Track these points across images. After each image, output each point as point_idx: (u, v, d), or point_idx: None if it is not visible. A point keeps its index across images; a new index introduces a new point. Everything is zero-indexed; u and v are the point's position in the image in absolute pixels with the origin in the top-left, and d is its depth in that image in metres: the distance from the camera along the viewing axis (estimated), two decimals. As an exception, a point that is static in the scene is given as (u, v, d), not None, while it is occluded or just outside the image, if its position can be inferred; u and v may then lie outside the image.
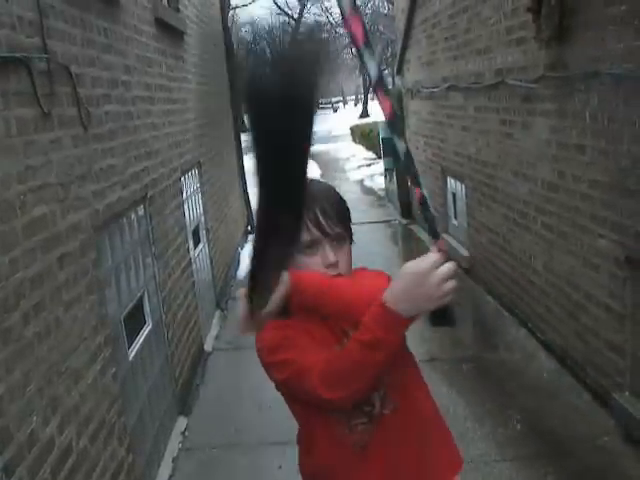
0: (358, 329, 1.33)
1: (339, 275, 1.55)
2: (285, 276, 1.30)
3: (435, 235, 1.39)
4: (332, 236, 1.54)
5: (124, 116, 3.76)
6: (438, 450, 1.64)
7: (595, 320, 4.12)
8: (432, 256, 1.26)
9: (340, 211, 1.58)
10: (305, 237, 1.51)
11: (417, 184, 1.39)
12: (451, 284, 1.25)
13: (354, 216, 1.68)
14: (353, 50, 43.47)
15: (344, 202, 1.63)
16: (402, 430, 1.56)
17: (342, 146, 24.63)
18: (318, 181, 1.70)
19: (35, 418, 2.24)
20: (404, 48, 9.48)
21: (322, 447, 1.59)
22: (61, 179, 2.68)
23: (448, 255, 1.29)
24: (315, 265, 1.53)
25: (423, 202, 1.41)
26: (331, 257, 1.53)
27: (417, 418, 1.59)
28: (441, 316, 1.33)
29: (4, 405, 2.06)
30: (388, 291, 1.28)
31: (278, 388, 1.57)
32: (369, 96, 42.04)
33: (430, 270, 1.24)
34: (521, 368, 4.86)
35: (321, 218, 1.53)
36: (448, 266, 1.25)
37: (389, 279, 1.54)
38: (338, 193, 1.64)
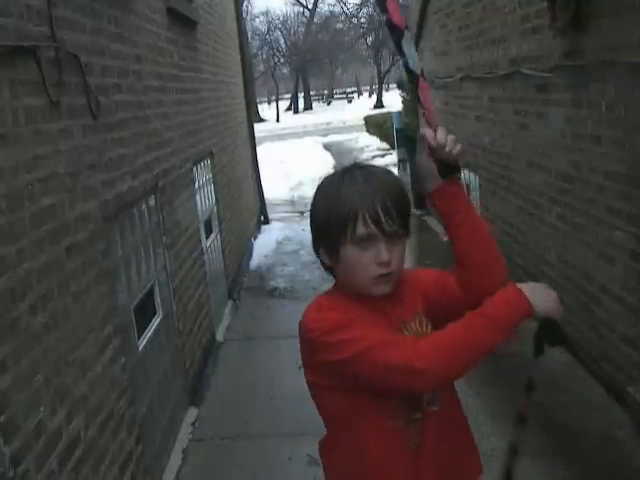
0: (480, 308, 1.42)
1: (389, 275, 1.49)
2: None
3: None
4: (389, 233, 1.47)
5: (135, 106, 3.75)
6: (470, 452, 1.67)
7: (609, 313, 4.07)
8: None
9: (401, 207, 1.49)
10: (361, 230, 1.45)
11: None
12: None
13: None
14: (368, 41, 43.32)
15: (407, 197, 1.55)
16: (444, 428, 1.57)
17: (356, 136, 24.56)
18: (385, 171, 1.59)
19: (42, 408, 2.24)
20: (418, 38, 9.39)
21: (374, 447, 1.50)
22: (70, 169, 2.67)
23: None
24: (366, 260, 1.47)
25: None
26: (384, 256, 1.46)
27: (456, 417, 1.63)
28: (551, 336, 1.56)
29: (11, 395, 2.05)
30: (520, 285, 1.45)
31: (324, 374, 1.49)
32: (383, 87, 41.87)
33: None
34: (533, 361, 4.81)
35: (381, 214, 1.45)
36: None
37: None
38: (402, 187, 1.56)
